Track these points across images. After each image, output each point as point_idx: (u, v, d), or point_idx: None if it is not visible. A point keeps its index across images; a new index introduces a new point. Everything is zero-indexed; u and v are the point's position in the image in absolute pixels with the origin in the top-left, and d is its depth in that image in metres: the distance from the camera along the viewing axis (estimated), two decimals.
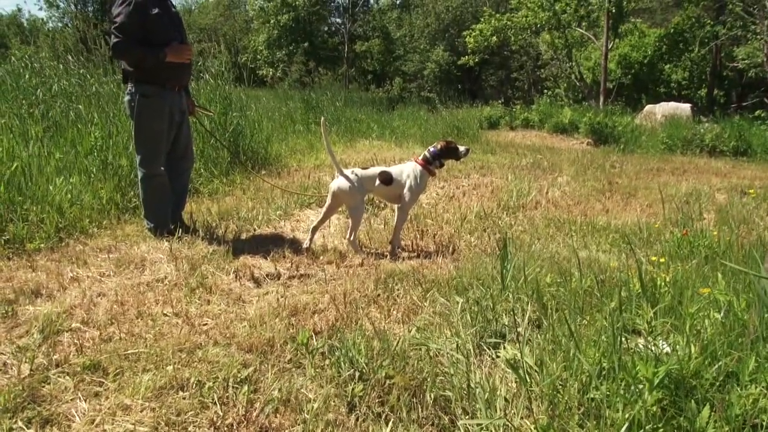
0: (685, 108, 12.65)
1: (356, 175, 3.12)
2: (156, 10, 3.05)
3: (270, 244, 3.29)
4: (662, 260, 2.42)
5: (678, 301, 1.87)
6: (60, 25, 28.11)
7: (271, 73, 24.93)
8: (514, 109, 14.69)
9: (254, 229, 3.69)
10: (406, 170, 3.23)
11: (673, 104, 13.15)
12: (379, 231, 3.75)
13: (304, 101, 10.16)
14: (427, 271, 2.81)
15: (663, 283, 1.99)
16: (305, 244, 3.28)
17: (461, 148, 3.31)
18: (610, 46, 15.92)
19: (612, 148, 10.48)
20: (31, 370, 1.81)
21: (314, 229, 3.32)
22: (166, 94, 3.18)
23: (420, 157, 3.29)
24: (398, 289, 2.54)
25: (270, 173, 5.68)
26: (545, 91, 19.88)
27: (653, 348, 1.46)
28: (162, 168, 3.27)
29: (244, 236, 3.52)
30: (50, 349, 1.95)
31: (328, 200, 3.22)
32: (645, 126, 11.92)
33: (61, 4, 29.27)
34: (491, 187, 5.53)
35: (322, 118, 3.21)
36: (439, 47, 24.16)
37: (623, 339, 1.47)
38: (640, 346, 1.53)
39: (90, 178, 4.01)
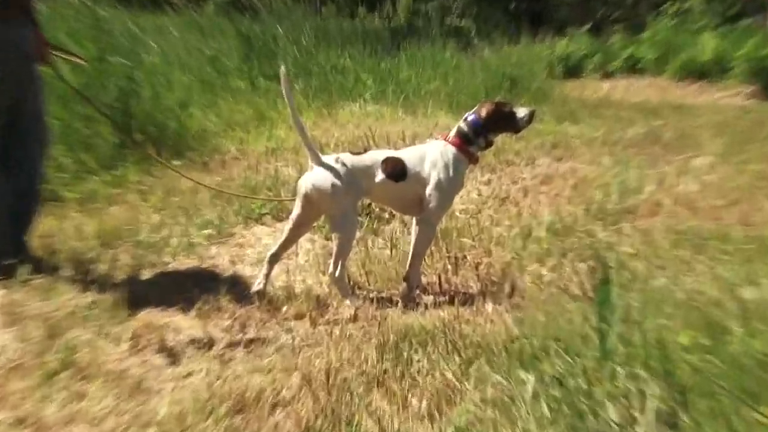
0: None
1: (344, 164, 3.15)
2: None
3: (194, 288, 3.31)
4: None
5: None
6: None
7: None
8: (610, 42, 14.84)
9: (164, 263, 3.73)
10: (430, 155, 3.27)
11: None
12: (381, 260, 3.75)
13: (243, 37, 10.27)
14: (467, 328, 2.82)
15: None
16: (256, 286, 3.30)
17: (521, 112, 3.34)
18: None
19: None
20: None
21: (272, 260, 3.35)
22: None
23: (452, 133, 3.33)
24: (419, 361, 2.55)
25: (190, 164, 5.75)
26: (666, 4, 19.80)
27: None
28: None
29: (145, 275, 3.54)
30: None
31: (297, 208, 3.25)
32: None
33: None
34: (573, 179, 5.58)
35: (283, 70, 3.23)
36: None
37: None
38: None
39: None
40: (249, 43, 10.16)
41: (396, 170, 3.20)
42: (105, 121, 5.12)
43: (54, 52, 3.66)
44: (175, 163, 5.55)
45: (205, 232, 4.17)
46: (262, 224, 4.43)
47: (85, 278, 3.41)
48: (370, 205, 4.46)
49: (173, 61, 8.32)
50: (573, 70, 13.94)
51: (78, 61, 4.05)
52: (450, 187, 3.26)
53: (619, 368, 2.15)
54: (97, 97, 5.29)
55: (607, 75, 13.80)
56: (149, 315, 3.03)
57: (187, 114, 6.67)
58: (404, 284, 3.36)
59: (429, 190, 3.24)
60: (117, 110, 5.54)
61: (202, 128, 6.71)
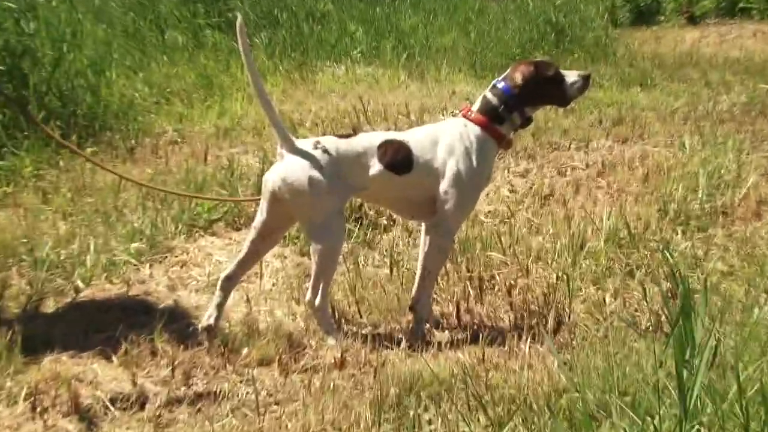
0: None
1: (326, 151, 3.18)
2: None
3: (118, 324, 3.33)
4: None
5: None
6: None
7: None
8: None
9: (77, 289, 3.74)
10: (446, 138, 3.30)
11: None
12: (377, 282, 3.79)
13: None
14: (496, 376, 2.85)
15: None
16: (206, 320, 3.32)
17: (570, 77, 3.38)
18: None
19: None
20: None
21: (227, 284, 3.37)
22: None
23: (475, 107, 3.37)
24: (430, 422, 2.58)
25: (110, 150, 5.80)
26: None
27: None
28: None
29: (51, 307, 3.57)
30: None
31: (262, 212, 3.28)
32: None
33: None
34: (644, 168, 5.62)
35: (239, 19, 3.26)
36: None
37: None
38: None
39: None
40: None
41: (398, 158, 3.23)
42: None
43: None
44: (89, 149, 5.60)
45: (133, 246, 4.18)
46: (213, 234, 4.45)
47: None
48: (361, 206, 4.51)
49: (84, 5, 8.32)
50: (644, 14, 13.92)
51: None
52: (473, 181, 3.29)
53: None
54: None
55: (692, 20, 13.79)
56: (55, 363, 3.04)
57: (105, 81, 6.68)
58: (412, 314, 3.39)
59: (444, 185, 3.26)
60: (3, 75, 5.57)
61: (126, 101, 6.73)
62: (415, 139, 3.30)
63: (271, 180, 3.19)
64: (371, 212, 4.58)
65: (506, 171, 5.54)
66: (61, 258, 4.00)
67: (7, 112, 5.34)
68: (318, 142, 3.21)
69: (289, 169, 3.14)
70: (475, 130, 3.29)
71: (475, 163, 3.26)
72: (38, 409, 2.74)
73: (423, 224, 3.47)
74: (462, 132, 3.29)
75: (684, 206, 4.74)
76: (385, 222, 4.58)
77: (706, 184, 5.07)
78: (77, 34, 6.82)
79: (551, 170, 5.67)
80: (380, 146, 3.23)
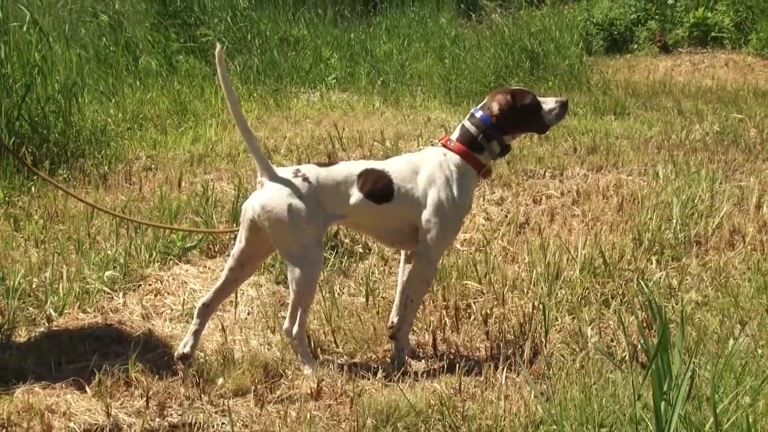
0: None
1: (307, 179, 3.21)
2: None
3: (92, 353, 3.33)
4: None
5: None
6: None
7: None
8: (670, 2, 14.94)
9: (48, 318, 3.74)
10: (426, 167, 3.33)
11: None
12: (353, 311, 3.81)
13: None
14: (473, 407, 2.86)
15: None
16: (182, 347, 3.33)
17: (548, 104, 3.42)
18: None
19: None
20: None
21: (203, 313, 3.37)
22: None
23: (454, 136, 3.40)
24: None
25: (81, 176, 5.78)
26: None
27: None
28: None
29: (23, 336, 3.56)
30: None
31: (241, 240, 3.30)
32: None
33: None
34: (618, 197, 5.67)
35: (218, 48, 3.27)
36: None
37: None
38: None
39: None
40: (164, 4, 10.25)
41: (378, 188, 3.25)
42: None
43: None
44: (61, 175, 5.60)
45: (107, 274, 4.17)
46: (187, 262, 4.45)
47: None
48: (336, 233, 4.53)
49: (54, 30, 8.32)
50: (618, 42, 14.01)
51: None
52: (454, 210, 3.30)
53: None
54: None
55: (665, 49, 13.90)
56: (28, 393, 3.03)
57: (77, 106, 6.67)
58: (392, 343, 3.41)
59: (426, 215, 3.28)
60: None
61: (98, 126, 6.73)
62: (396, 168, 3.32)
63: (251, 208, 3.20)
64: (347, 240, 4.60)
65: (482, 199, 5.56)
66: (33, 286, 4.00)
67: None
68: (298, 171, 3.23)
69: (268, 197, 3.16)
70: (454, 159, 3.32)
71: (456, 192, 3.28)
72: None
73: (402, 253, 3.49)
74: (442, 161, 3.32)
75: (658, 235, 4.79)
76: (361, 250, 4.60)
77: (680, 213, 5.11)
78: (48, 59, 6.83)
79: (526, 198, 5.70)
80: (360, 175, 3.25)
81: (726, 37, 13.77)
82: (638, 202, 5.47)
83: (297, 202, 3.14)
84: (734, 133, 7.64)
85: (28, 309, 3.79)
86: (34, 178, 5.16)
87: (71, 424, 2.85)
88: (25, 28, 7.03)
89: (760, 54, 12.98)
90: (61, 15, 9.28)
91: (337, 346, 3.57)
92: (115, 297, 4.01)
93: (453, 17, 12.59)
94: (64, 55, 7.72)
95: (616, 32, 14.07)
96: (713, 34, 13.92)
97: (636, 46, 14.05)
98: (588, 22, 13.85)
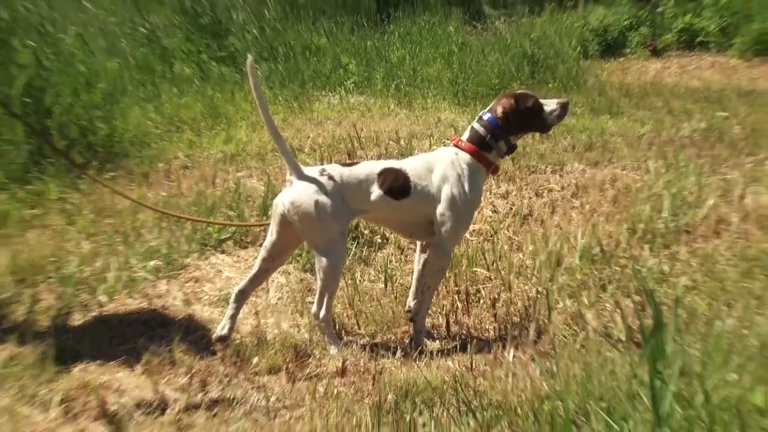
0: None
1: (332, 178, 3.23)
2: None
3: (139, 336, 3.38)
4: None
5: None
6: None
7: None
8: (659, 9, 14.85)
9: (100, 303, 3.78)
10: (440, 166, 3.35)
11: None
12: (373, 296, 3.83)
13: (189, 12, 10.28)
14: (484, 384, 2.89)
15: None
16: (220, 330, 3.37)
17: (549, 105, 3.42)
18: None
19: None
20: None
21: (239, 298, 3.42)
22: None
23: (465, 137, 3.41)
24: (425, 425, 2.60)
25: (126, 175, 5.81)
26: None
27: None
28: None
29: (78, 320, 3.59)
30: None
31: (272, 233, 3.33)
32: None
33: None
34: (613, 190, 5.67)
35: (250, 59, 3.27)
36: None
37: None
38: None
39: None
40: (196, 18, 10.23)
41: (397, 185, 3.28)
42: (14, 123, 5.20)
43: None
44: (108, 174, 5.63)
45: (151, 263, 4.21)
46: (223, 252, 4.48)
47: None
48: (357, 226, 4.54)
49: (97, 42, 8.35)
50: (612, 48, 13.91)
51: None
52: (466, 204, 3.33)
53: None
54: (1, 92, 5.36)
55: (657, 53, 13.81)
56: (84, 372, 3.08)
57: (119, 111, 6.72)
58: (412, 326, 3.45)
59: (440, 209, 3.31)
60: (28, 108, 5.59)
61: (139, 129, 6.76)
62: (412, 167, 3.34)
63: (281, 204, 3.23)
64: (366, 231, 4.62)
65: (489, 193, 5.55)
66: (86, 275, 4.04)
67: (32, 141, 5.33)
68: (324, 170, 3.26)
69: (297, 194, 3.19)
70: (465, 158, 3.34)
71: (467, 187, 3.31)
72: (70, 415, 2.79)
73: (417, 243, 3.52)
74: (454, 160, 3.34)
75: (651, 225, 4.78)
76: (380, 240, 4.62)
77: (671, 204, 5.11)
78: (93, 68, 6.86)
79: (529, 192, 5.69)
80: (380, 174, 3.28)
81: (711, 41, 13.69)
82: (632, 195, 5.45)
83: (323, 199, 3.17)
84: (720, 130, 7.61)
85: (81, 296, 3.83)
86: (84, 177, 5.17)
87: (123, 400, 2.90)
88: (69, 41, 7.08)
89: (743, 56, 12.91)
90: (103, 28, 9.28)
91: (360, 328, 3.60)
92: (158, 284, 4.04)
93: (460, 25, 12.50)
94: (107, 64, 7.74)
95: (610, 37, 13.98)
96: (700, 38, 13.84)
97: (629, 50, 13.96)
98: (584, 29, 13.77)
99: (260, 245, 3.45)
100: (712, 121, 7.99)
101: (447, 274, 3.95)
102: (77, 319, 3.61)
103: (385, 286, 3.98)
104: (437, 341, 3.46)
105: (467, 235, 4.60)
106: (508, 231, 4.86)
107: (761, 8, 13.32)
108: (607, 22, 14.23)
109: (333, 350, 3.26)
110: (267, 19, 10.92)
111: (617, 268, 4.16)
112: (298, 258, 4.20)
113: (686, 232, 4.77)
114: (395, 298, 3.83)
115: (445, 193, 3.30)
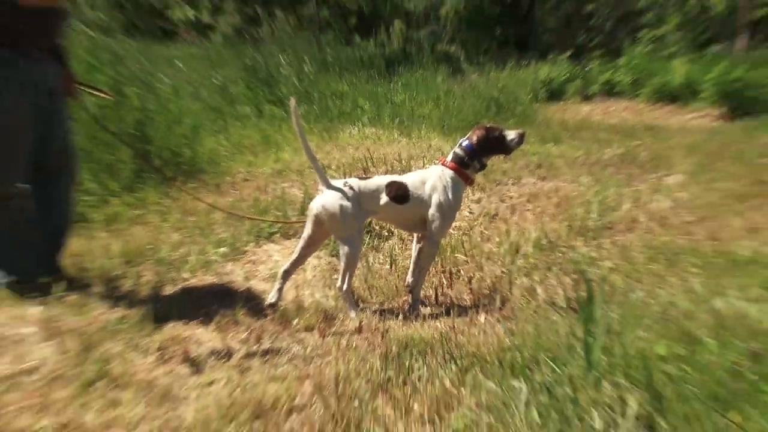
0: None
1: (352, 188, 3.22)
2: None
3: (212, 303, 3.37)
4: None
5: None
6: None
7: (191, 16, 25.14)
8: (589, 67, 14.96)
9: (184, 279, 3.78)
10: (431, 179, 3.33)
11: None
12: (382, 275, 3.83)
13: (248, 67, 10.36)
14: (462, 338, 2.88)
15: None
16: (270, 299, 3.36)
17: (511, 135, 3.39)
18: None
19: (760, 122, 10.50)
20: None
21: (285, 276, 3.42)
22: (21, 60, 3.14)
23: (449, 158, 3.40)
24: (419, 369, 2.61)
25: (203, 186, 5.82)
26: (641, 32, 20.01)
27: None
28: (20, 185, 3.28)
29: (168, 291, 3.59)
30: None
31: (308, 229, 3.32)
32: None
33: None
34: (557, 197, 5.66)
35: (293, 102, 3.26)
36: None
37: None
38: None
39: None
40: (254, 72, 10.29)
41: (399, 193, 3.26)
42: (125, 148, 5.21)
43: (81, 88, 3.67)
44: (190, 185, 5.63)
45: (220, 250, 4.22)
46: (272, 242, 4.47)
47: (113, 294, 3.47)
48: (370, 223, 4.53)
49: (184, 90, 8.38)
50: (555, 94, 14.02)
51: (104, 95, 3.99)
52: (450, 208, 3.31)
53: (601, 377, 2.21)
54: (117, 126, 5.38)
55: (587, 98, 13.89)
56: (173, 328, 3.09)
57: (199, 139, 6.72)
58: (410, 297, 3.44)
59: (431, 211, 3.29)
60: (135, 138, 5.61)
61: (213, 153, 6.78)
62: (410, 180, 3.33)
63: (315, 207, 3.22)
64: (377, 227, 4.60)
65: (467, 199, 5.56)
66: (174, 258, 4.05)
67: (137, 162, 5.36)
68: (346, 182, 3.24)
69: (327, 200, 3.18)
70: (449, 173, 3.32)
71: (451, 196, 3.29)
72: (163, 359, 2.79)
73: (414, 236, 3.51)
74: (441, 175, 3.32)
75: (583, 223, 4.78)
76: (386, 234, 4.60)
77: (597, 208, 5.12)
78: (181, 109, 6.90)
79: (496, 199, 5.69)
80: (387, 185, 3.26)
81: (625, 90, 13.81)
82: (570, 201, 5.46)
83: (346, 203, 3.16)
84: (632, 154, 7.63)
85: (171, 273, 3.84)
86: (173, 187, 5.19)
87: (200, 349, 2.90)
88: (164, 88, 7.11)
89: (648, 102, 13.02)
90: (189, 80, 9.30)
91: (371, 298, 3.58)
92: (225, 265, 4.04)
93: (445, 78, 12.56)
94: (191, 106, 7.79)
95: (554, 87, 14.08)
96: (617, 89, 13.98)
97: (567, 96, 14.05)
98: (535, 81, 13.87)
99: (299, 237, 3.43)
100: (627, 148, 8.01)
101: (436, 259, 3.94)
102: (168, 290, 3.62)
103: (391, 267, 3.96)
104: (428, 308, 3.44)
105: (451, 230, 4.59)
106: (481, 227, 4.84)
107: (659, 70, 13.46)
108: (551, 76, 14.34)
109: (352, 314, 3.24)
110: (305, 73, 10.93)
111: (559, 254, 4.16)
112: (327, 246, 4.19)
113: (608, 228, 4.77)
114: (398, 276, 3.80)
115: (435, 199, 3.28)
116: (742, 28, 15.71)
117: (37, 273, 3.40)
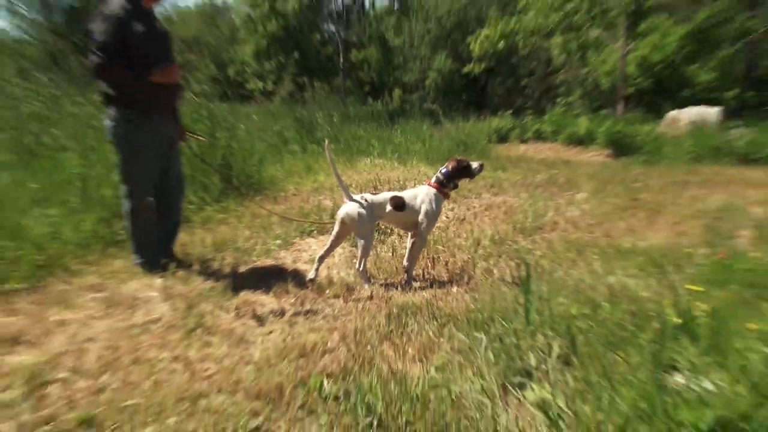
0: (712, 112, 12.36)
1: (366, 200, 3.19)
2: (140, 27, 2.95)
3: (271, 278, 3.34)
4: (698, 288, 2.46)
5: (719, 334, 1.91)
6: (24, 36, 22.20)
7: (261, 86, 25.30)
8: (524, 121, 14.92)
9: (253, 261, 3.74)
10: (420, 195, 3.29)
11: (699, 109, 12.79)
12: (386, 260, 3.80)
13: (297, 120, 10.35)
14: (441, 304, 2.84)
15: (701, 314, 2.03)
16: (310, 275, 3.33)
17: (474, 165, 3.37)
18: (628, 48, 16.10)
19: (633, 159, 10.62)
20: (16, 430, 1.81)
21: (320, 260, 3.37)
22: (154, 120, 3.19)
23: (433, 180, 3.36)
24: (412, 324, 2.58)
25: (266, 198, 5.77)
26: (558, 99, 20.20)
27: (695, 387, 1.49)
28: (151, 199, 3.31)
29: (242, 269, 3.56)
30: (36, 404, 1.96)
31: (336, 228, 3.28)
32: (669, 134, 12.02)
33: (24, 12, 22.28)
34: (504, 207, 5.60)
35: (327, 143, 3.28)
36: (442, 55, 24.59)
37: (661, 377, 1.51)
38: (680, 385, 1.56)
39: (69, 209, 4.03)
40: (301, 123, 10.31)
41: (399, 204, 3.22)
42: (215, 174, 5.20)
43: (189, 134, 3.72)
44: (257, 198, 5.61)
45: (277, 242, 4.18)
46: (312, 237, 4.44)
47: (207, 271, 3.45)
48: (378, 225, 4.48)
49: (255, 134, 8.38)
50: (503, 138, 13.97)
51: (202, 138, 4.06)
52: (434, 214, 3.26)
53: (535, 329, 2.18)
54: (210, 158, 5.36)
55: (523, 141, 13.81)
56: (245, 295, 3.06)
57: (264, 167, 6.70)
58: (406, 275, 3.38)
59: (421, 217, 3.24)
60: (222, 166, 5.59)
61: (272, 176, 6.74)
62: (407, 195, 3.28)
63: (341, 213, 3.18)
64: (382, 227, 4.56)
65: (445, 209, 5.47)
66: (246, 247, 4.01)
67: (223, 183, 5.34)
68: (363, 196, 3.21)
69: (349, 208, 3.14)
70: (433, 191, 3.28)
71: (434, 206, 3.24)
72: (239, 316, 2.77)
73: (409, 233, 3.47)
74: (427, 192, 3.28)
75: (523, 225, 4.72)
76: (389, 231, 4.56)
77: (532, 215, 5.07)
78: (252, 147, 6.90)
79: (463, 208, 5.64)
80: (390, 198, 3.22)
81: (549, 136, 13.77)
82: (513, 210, 5.41)
83: (362, 211, 3.13)
84: (553, 179, 7.57)
85: (244, 257, 3.80)
86: (246, 199, 5.17)
87: (263, 309, 2.87)
88: (243, 133, 7.11)
89: (564, 144, 13.04)
90: (258, 126, 9.31)
91: (379, 276, 3.53)
92: (280, 252, 4.00)
93: (428, 126, 12.54)
94: (259, 144, 7.81)
95: (502, 133, 14.04)
96: (544, 134, 13.92)
97: (510, 140, 14.02)
98: (489, 128, 13.86)
99: (330, 233, 3.40)
100: (550, 175, 7.95)
101: (424, 249, 3.90)
102: (243, 269, 3.58)
103: (392, 254, 3.92)
104: (418, 282, 3.39)
105: (434, 230, 4.54)
106: (453, 227, 4.78)
107: (569, 123, 13.65)
108: (500, 126, 14.33)
109: (366, 286, 3.20)
110: (334, 123, 10.94)
111: (507, 246, 4.10)
112: (348, 240, 4.16)
113: (539, 228, 4.71)
114: (397, 261, 3.75)
115: (423, 209, 3.24)
116: (620, 98, 16.46)
117: (159, 256, 3.41)
